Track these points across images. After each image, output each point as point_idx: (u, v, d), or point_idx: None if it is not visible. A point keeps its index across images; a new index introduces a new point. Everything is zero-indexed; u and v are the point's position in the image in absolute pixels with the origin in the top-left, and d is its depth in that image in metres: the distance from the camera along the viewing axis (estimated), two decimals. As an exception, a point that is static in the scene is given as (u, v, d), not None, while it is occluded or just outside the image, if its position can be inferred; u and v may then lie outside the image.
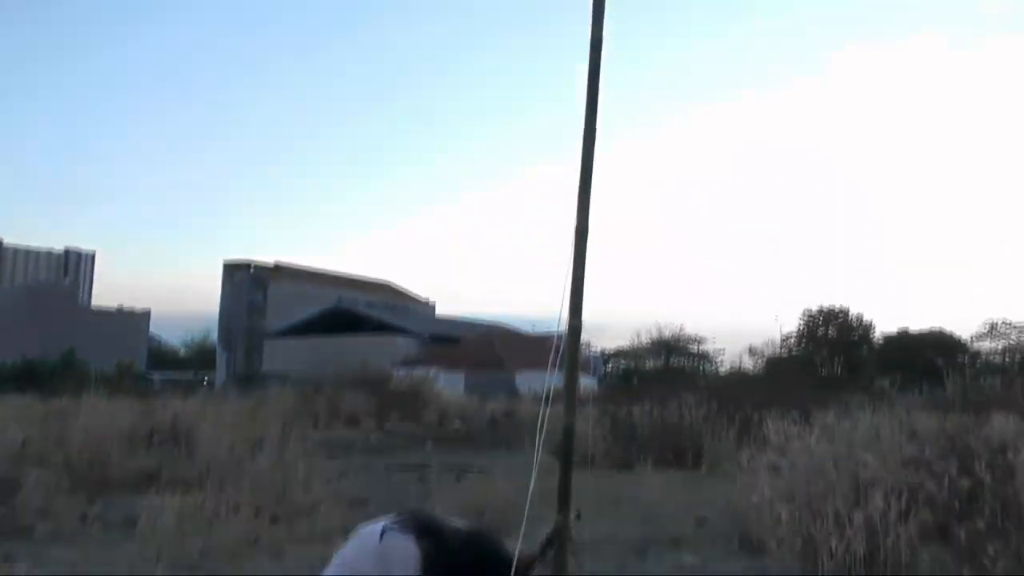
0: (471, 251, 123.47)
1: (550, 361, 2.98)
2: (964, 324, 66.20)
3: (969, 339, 52.33)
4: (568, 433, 2.87)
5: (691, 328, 59.59)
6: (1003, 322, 51.82)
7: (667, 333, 58.56)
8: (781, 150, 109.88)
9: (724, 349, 58.83)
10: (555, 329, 2.98)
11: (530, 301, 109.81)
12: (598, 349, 62.37)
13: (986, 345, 52.32)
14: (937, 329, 52.27)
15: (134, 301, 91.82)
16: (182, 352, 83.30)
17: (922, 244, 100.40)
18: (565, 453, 3.02)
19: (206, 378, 60.02)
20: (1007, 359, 49.66)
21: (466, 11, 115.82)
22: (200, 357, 72.83)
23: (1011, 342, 51.52)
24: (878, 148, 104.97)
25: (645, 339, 59.08)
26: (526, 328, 56.21)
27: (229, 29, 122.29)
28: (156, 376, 63.20)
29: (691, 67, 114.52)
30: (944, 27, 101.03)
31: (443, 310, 73.67)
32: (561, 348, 3.02)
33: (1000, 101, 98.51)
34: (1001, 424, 8.50)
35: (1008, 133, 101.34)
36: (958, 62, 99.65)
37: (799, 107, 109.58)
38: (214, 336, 67.96)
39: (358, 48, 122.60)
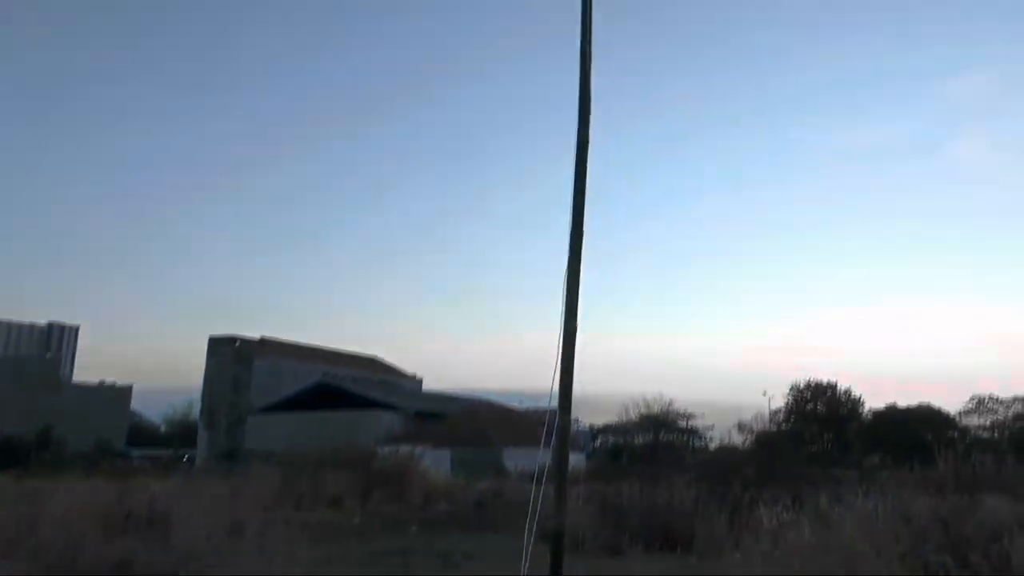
0: (459, 323, 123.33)
1: (542, 442, 2.92)
2: (951, 399, 66.12)
3: (957, 415, 52.21)
4: (558, 538, 2.79)
5: (680, 403, 59.15)
6: (990, 397, 51.88)
7: (656, 408, 58.06)
8: (762, 230, 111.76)
9: (713, 425, 58.26)
10: (543, 404, 2.93)
11: (519, 374, 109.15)
12: (586, 424, 61.74)
13: (974, 420, 52.18)
14: (925, 404, 52.19)
15: (117, 376, 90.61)
16: (163, 428, 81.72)
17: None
18: (555, 556, 2.94)
19: (187, 455, 58.70)
20: (995, 435, 49.52)
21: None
22: (182, 433, 71.39)
23: (998, 418, 51.45)
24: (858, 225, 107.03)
25: (634, 414, 58.52)
26: (513, 403, 55.70)
27: (225, 112, 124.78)
28: (135, 453, 61.78)
29: (680, 162, 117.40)
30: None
31: (430, 384, 73.07)
32: (555, 428, 2.97)
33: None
34: (994, 507, 8.38)
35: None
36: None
37: (776, 196, 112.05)
38: (197, 412, 66.79)
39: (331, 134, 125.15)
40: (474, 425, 44.32)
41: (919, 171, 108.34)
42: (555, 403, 3.06)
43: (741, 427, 55.42)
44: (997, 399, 51.65)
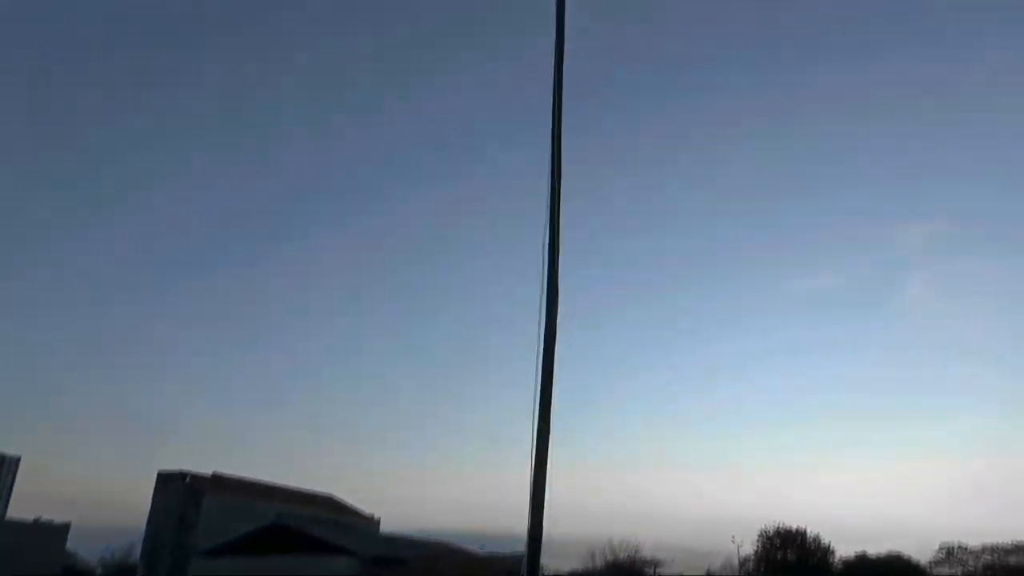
0: (420, 461, 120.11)
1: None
2: (921, 548, 65.00)
3: (927, 564, 51.17)
4: None
5: (648, 547, 57.26)
6: (959, 547, 51.08)
7: (623, 554, 56.07)
8: (731, 375, 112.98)
9: (681, 574, 56.29)
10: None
11: (481, 513, 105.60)
12: (551, 571, 59.26)
13: (944, 571, 51.14)
14: (895, 554, 51.16)
15: (56, 511, 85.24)
16: (99, 571, 76.40)
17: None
18: None
19: (122, 603, 54.74)
20: (967, 586, 48.54)
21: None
22: (119, 576, 66.90)
23: (968, 568, 50.50)
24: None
25: (600, 561, 56.42)
26: (475, 547, 53.50)
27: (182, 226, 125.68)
28: (66, 601, 57.50)
29: (645, 270, 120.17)
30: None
31: (389, 525, 70.26)
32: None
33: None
34: None
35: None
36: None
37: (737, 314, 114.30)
38: (137, 553, 62.90)
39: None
40: (434, 573, 42.22)
41: (873, 315, 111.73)
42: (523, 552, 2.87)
43: (710, 577, 53.72)
44: (966, 548, 50.87)
